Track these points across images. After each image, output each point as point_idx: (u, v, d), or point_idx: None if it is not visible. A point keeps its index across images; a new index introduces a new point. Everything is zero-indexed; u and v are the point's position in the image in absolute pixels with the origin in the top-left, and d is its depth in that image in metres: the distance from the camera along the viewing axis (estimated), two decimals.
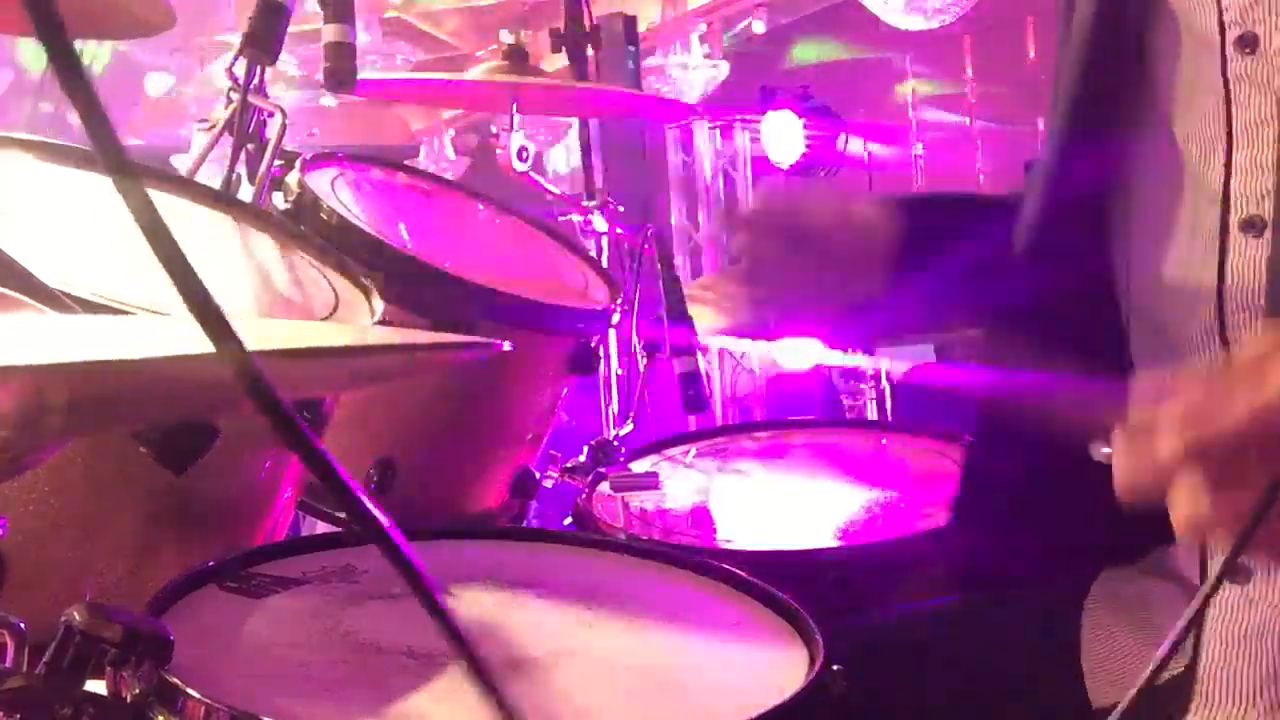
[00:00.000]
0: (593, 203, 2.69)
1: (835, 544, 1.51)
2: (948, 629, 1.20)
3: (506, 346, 0.86)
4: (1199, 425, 0.68)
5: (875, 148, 6.75)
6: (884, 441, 1.97)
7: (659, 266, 2.04)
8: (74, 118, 0.41)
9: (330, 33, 1.79)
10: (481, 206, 2.02)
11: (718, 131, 6.31)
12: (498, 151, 2.41)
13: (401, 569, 0.44)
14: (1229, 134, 1.01)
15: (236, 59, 1.78)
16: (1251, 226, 0.99)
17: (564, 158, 7.57)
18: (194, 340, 0.47)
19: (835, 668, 0.90)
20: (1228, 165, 1.01)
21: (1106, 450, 0.72)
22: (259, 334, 0.91)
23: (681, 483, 1.76)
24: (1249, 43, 1.00)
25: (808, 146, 5.63)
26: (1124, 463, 0.70)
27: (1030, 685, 1.13)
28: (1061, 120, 1.13)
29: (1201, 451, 0.68)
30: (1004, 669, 1.13)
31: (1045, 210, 1.13)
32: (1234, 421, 0.68)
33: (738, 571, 1.11)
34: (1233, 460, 0.68)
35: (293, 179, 1.65)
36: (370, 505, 0.46)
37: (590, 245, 2.60)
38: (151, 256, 0.42)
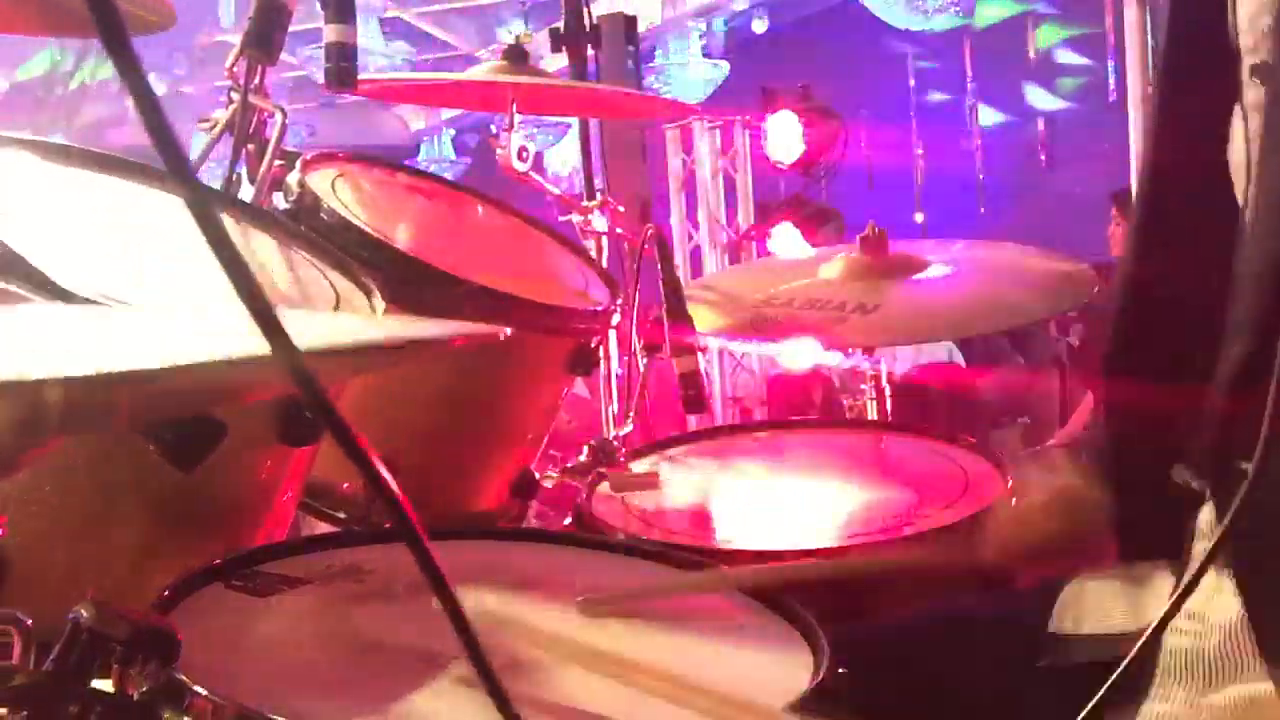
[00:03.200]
0: (593, 203, 2.69)
1: (835, 544, 1.51)
2: (943, 620, 1.21)
3: (506, 333, 0.86)
4: None
5: (875, 148, 6.76)
6: (884, 441, 1.97)
7: (659, 266, 2.04)
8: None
9: (330, 33, 1.79)
10: (481, 206, 2.02)
11: (718, 131, 6.31)
12: (498, 151, 2.41)
13: (426, 570, 0.45)
14: (1248, 163, 0.98)
15: (237, 59, 1.79)
16: None
17: (564, 158, 7.57)
18: (191, 336, 0.47)
19: (839, 670, 0.90)
20: (1245, 195, 0.99)
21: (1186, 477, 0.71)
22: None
23: (681, 483, 1.76)
24: (1262, 72, 0.96)
25: (807, 146, 5.63)
26: None
27: (1022, 671, 1.13)
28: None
29: None
30: (998, 658, 1.14)
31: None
32: None
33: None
34: None
35: (293, 179, 1.65)
36: (406, 505, 0.46)
37: (590, 245, 2.60)
38: (160, 258, 0.42)
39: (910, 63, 6.85)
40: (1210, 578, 0.97)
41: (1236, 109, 1.01)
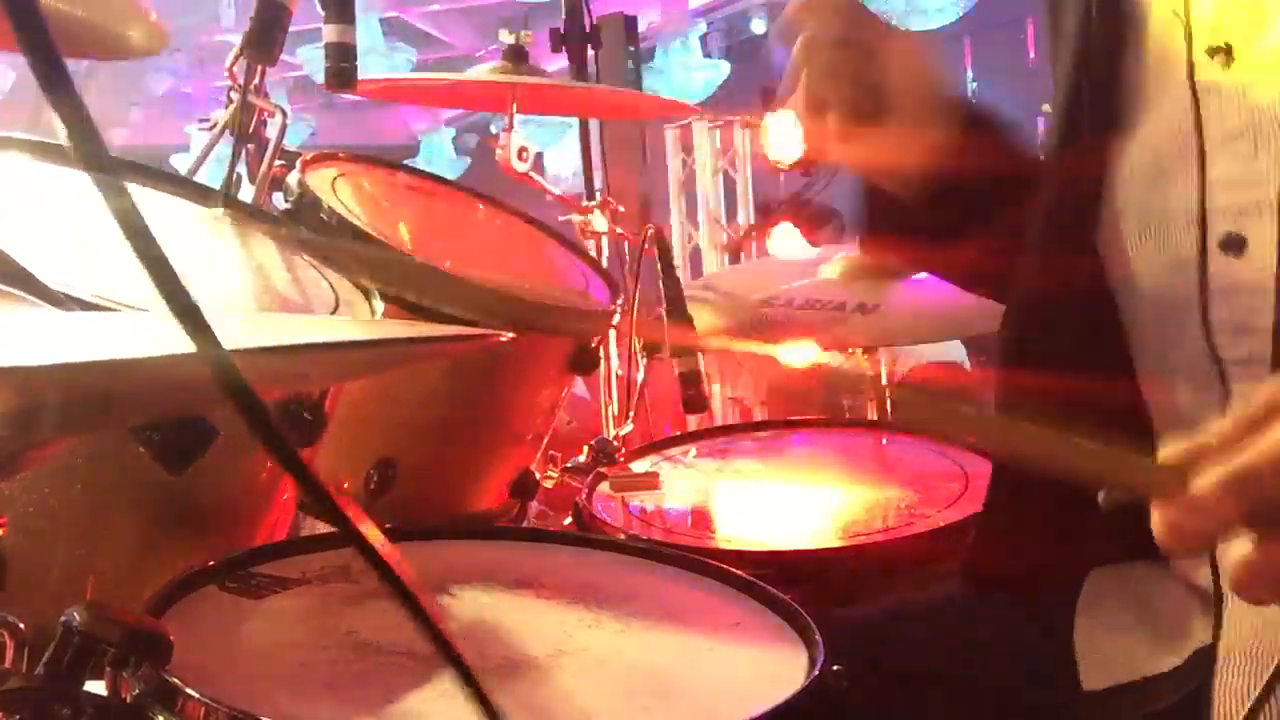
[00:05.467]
0: (593, 203, 2.69)
1: (836, 543, 1.51)
2: (942, 620, 1.20)
3: (507, 336, 0.86)
4: (1234, 458, 0.66)
5: None
6: (884, 441, 1.97)
7: (659, 266, 2.04)
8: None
9: (331, 33, 1.79)
10: (481, 206, 2.02)
11: (718, 131, 6.31)
12: (498, 152, 2.41)
13: (381, 571, 0.44)
14: (1201, 148, 0.98)
15: (236, 59, 1.79)
16: (1231, 245, 0.96)
17: (564, 158, 7.57)
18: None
19: (835, 668, 0.90)
20: (1202, 181, 0.98)
21: (1112, 496, 0.70)
22: (260, 327, 0.91)
23: (681, 483, 1.76)
24: (1218, 52, 0.97)
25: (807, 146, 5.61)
26: (1161, 522, 0.68)
27: (1022, 670, 1.12)
28: (1054, 134, 1.11)
29: (1240, 485, 0.65)
30: (997, 657, 1.13)
31: (1047, 219, 1.12)
32: (1270, 450, 0.65)
33: (738, 571, 1.11)
34: (1274, 497, 0.66)
35: (293, 179, 1.65)
36: (346, 510, 0.46)
37: (590, 245, 2.60)
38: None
39: None
40: (1253, 613, 0.97)
41: (1168, 96, 1.01)
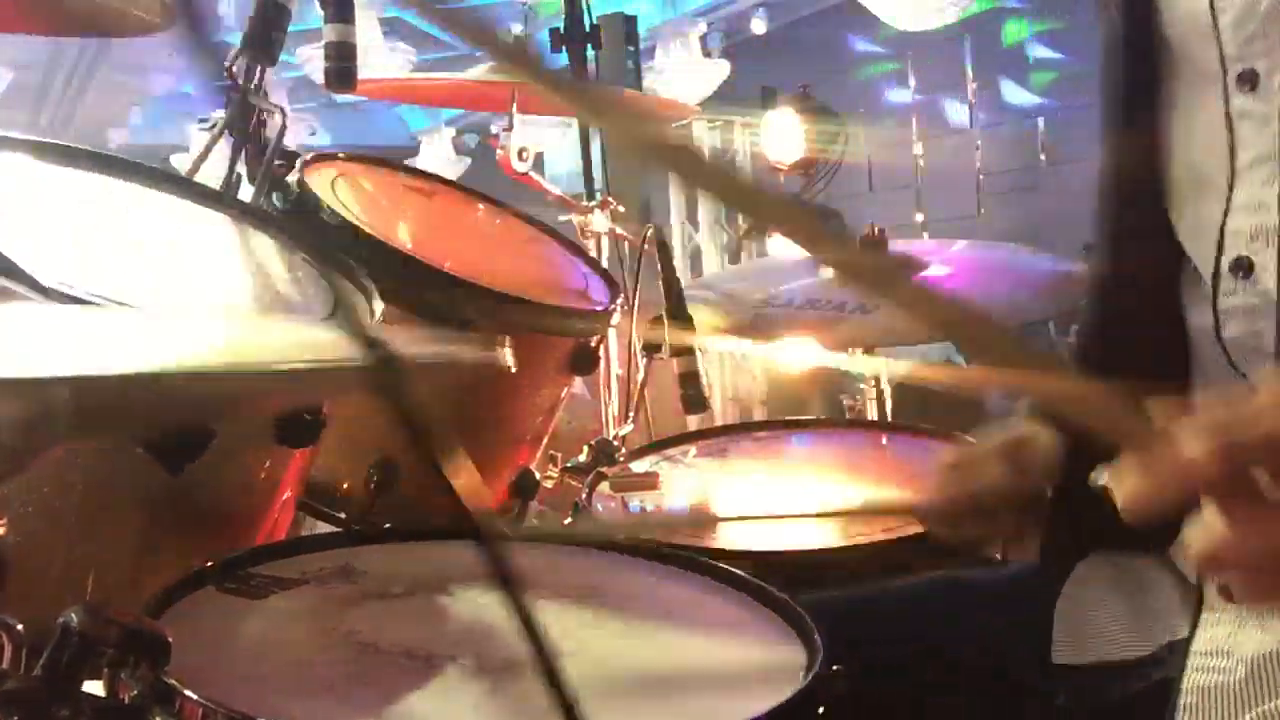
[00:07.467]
0: (593, 203, 2.69)
1: (836, 543, 1.50)
2: (922, 607, 1.21)
3: (508, 359, 0.85)
4: (1227, 431, 0.64)
5: (875, 148, 6.76)
6: (884, 441, 1.97)
7: (659, 266, 2.03)
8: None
9: (331, 33, 1.79)
10: (481, 206, 2.02)
11: (718, 131, 6.31)
12: (498, 152, 2.41)
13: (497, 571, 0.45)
14: (1232, 171, 1.00)
15: (236, 59, 1.79)
16: (1239, 268, 0.99)
17: (564, 158, 7.56)
18: (191, 339, 0.47)
19: (834, 668, 0.90)
20: (1227, 203, 1.00)
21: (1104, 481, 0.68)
22: (260, 337, 0.91)
23: (681, 483, 1.76)
24: (1249, 79, 0.99)
25: (807, 146, 5.62)
26: (1135, 476, 0.66)
27: (997, 642, 1.13)
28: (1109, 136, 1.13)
29: (1229, 457, 0.63)
30: (975, 646, 1.14)
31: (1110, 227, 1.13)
32: (1264, 431, 0.64)
33: (738, 571, 1.11)
34: (1254, 480, 0.64)
35: (293, 179, 1.65)
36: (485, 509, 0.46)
37: (590, 245, 2.60)
38: (159, 260, 0.41)
39: (910, 63, 6.84)
40: (1232, 612, 0.97)
41: (1204, 118, 1.03)
